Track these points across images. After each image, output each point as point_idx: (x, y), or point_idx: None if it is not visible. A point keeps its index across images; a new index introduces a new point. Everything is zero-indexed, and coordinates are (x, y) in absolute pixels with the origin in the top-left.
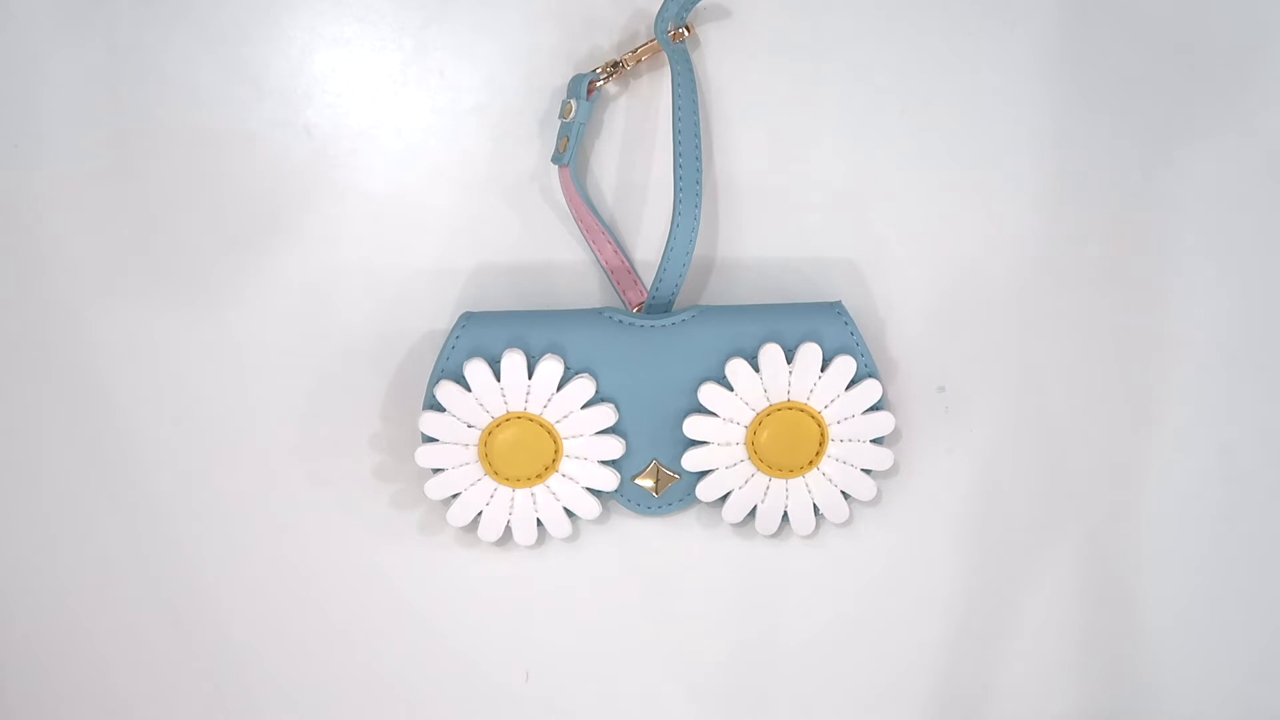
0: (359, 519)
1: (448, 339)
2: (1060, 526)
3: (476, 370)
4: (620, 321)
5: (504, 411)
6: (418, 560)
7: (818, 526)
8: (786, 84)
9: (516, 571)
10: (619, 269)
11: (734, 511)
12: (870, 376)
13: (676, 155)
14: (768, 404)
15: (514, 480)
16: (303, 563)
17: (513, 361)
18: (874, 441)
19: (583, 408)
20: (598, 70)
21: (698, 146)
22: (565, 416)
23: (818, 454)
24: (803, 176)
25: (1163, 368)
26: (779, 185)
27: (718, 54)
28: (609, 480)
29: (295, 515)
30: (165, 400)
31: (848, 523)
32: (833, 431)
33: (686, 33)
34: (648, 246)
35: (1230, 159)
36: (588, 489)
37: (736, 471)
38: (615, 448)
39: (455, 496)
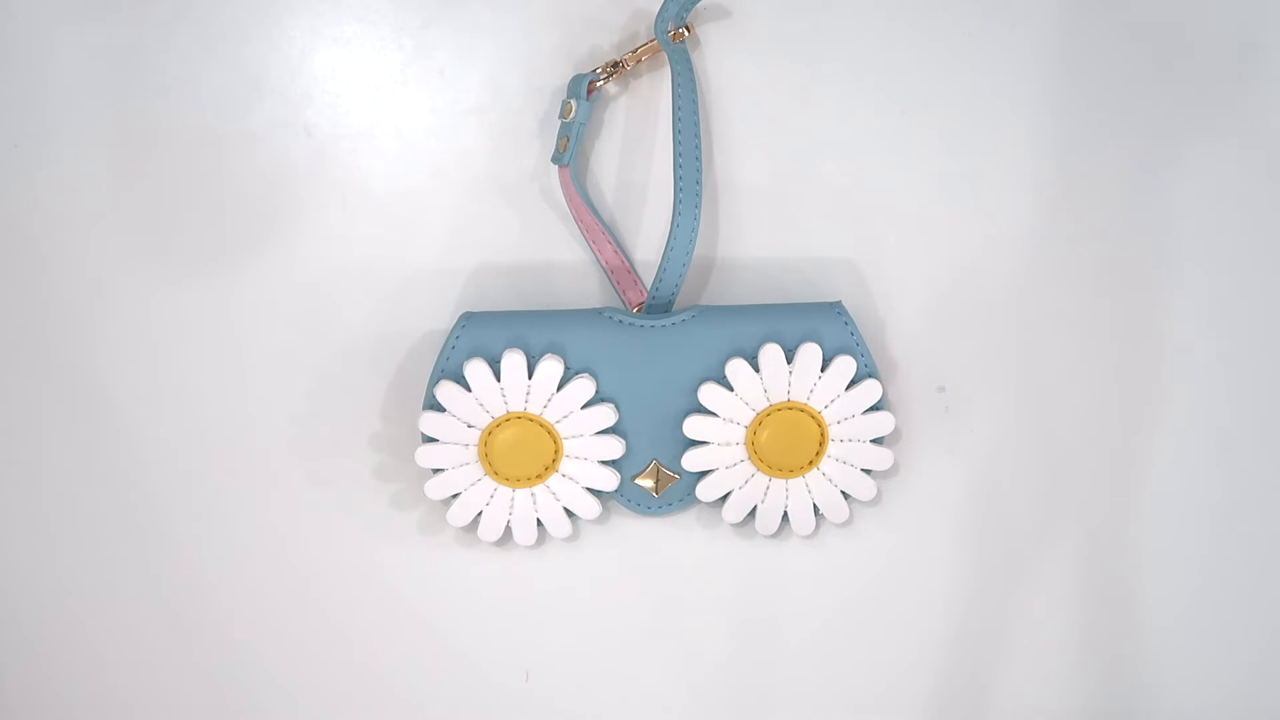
0: (359, 519)
1: (448, 339)
2: (1060, 526)
3: (476, 370)
4: (620, 321)
5: (504, 411)
6: (418, 560)
7: (818, 526)
8: (786, 84)
9: (516, 571)
10: (619, 269)
11: (734, 511)
12: (870, 376)
13: (676, 155)
14: (768, 404)
15: (514, 480)
16: (303, 563)
17: (513, 361)
18: (874, 441)
19: (583, 408)
20: (598, 70)
21: (698, 146)
22: (565, 416)
23: (818, 454)
24: (803, 176)
25: (1162, 367)
26: (779, 185)
27: (718, 54)
28: (609, 480)
29: (295, 515)
30: (165, 400)
31: (848, 523)
32: (833, 431)
33: (686, 33)
34: (648, 246)
35: (1230, 159)
36: (588, 489)
37: (736, 471)
38: (615, 448)
39: (455, 496)
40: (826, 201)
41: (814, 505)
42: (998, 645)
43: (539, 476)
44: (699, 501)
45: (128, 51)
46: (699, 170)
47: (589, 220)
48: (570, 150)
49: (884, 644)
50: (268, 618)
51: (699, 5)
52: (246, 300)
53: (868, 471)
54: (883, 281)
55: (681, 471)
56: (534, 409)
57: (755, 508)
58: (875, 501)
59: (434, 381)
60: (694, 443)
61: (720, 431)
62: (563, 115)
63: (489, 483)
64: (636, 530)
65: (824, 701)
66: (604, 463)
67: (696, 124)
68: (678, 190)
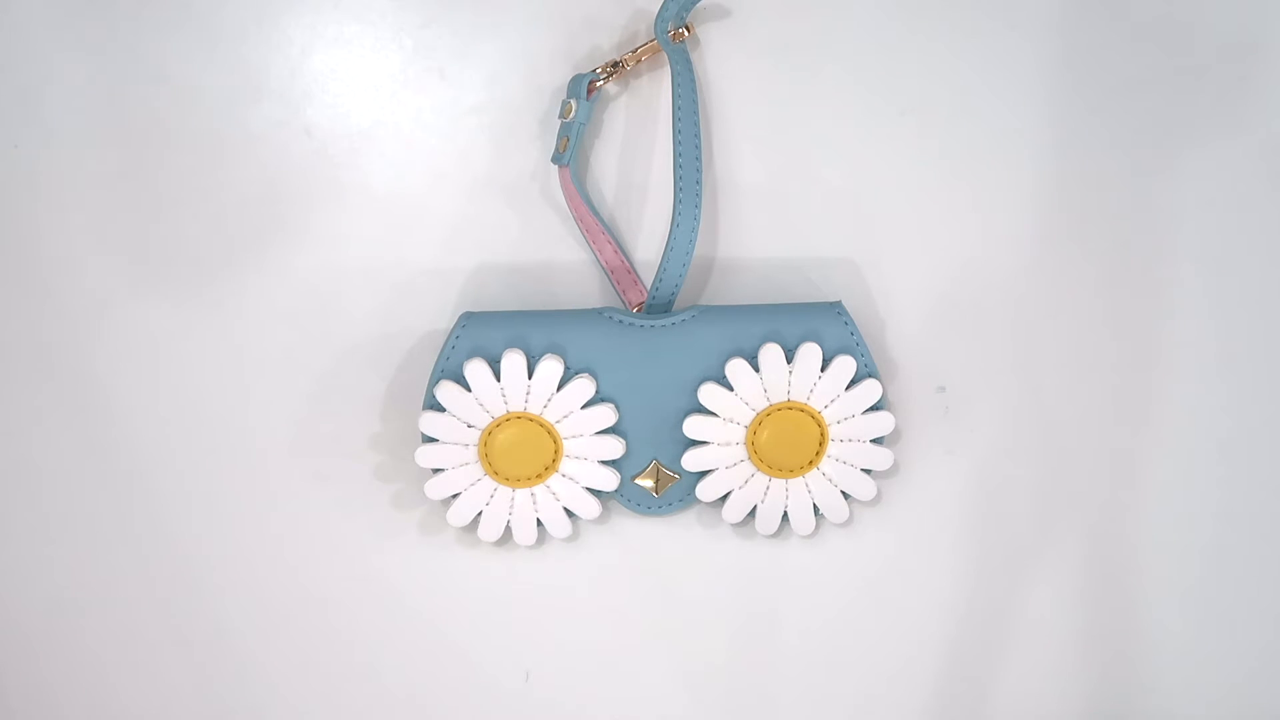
0: (359, 519)
1: (448, 339)
2: (1060, 526)
3: (476, 370)
4: (620, 321)
5: (504, 411)
6: (418, 560)
7: (818, 526)
8: (786, 84)
9: (516, 571)
10: (619, 269)
11: (734, 511)
12: (870, 376)
13: (676, 155)
14: (768, 404)
15: (514, 480)
16: (303, 563)
17: (513, 361)
18: (874, 441)
19: (583, 408)
20: (598, 70)
21: (698, 146)
22: (565, 416)
23: (818, 454)
24: (803, 176)
25: (1162, 367)
26: (779, 185)
27: (718, 54)
28: (609, 480)
29: (295, 515)
30: (165, 400)
31: (848, 523)
32: (833, 431)
33: (686, 33)
34: (648, 246)
35: (1229, 160)
36: (588, 489)
37: (736, 471)
38: (615, 448)
39: (455, 496)
40: (826, 201)
41: (814, 505)
42: (998, 645)
43: (539, 476)
44: (699, 501)
45: (128, 51)
46: (699, 170)
47: (589, 220)
48: (570, 150)
49: (884, 644)
50: (268, 618)
51: (699, 5)
52: (246, 300)
53: (868, 471)
54: (883, 281)
55: (681, 471)
56: (534, 409)
57: (755, 508)
58: (875, 501)
59: (434, 381)
60: (694, 443)
61: (720, 431)
62: (563, 115)
63: (489, 483)
64: (636, 530)
65: (824, 701)
66: (604, 463)
67: (696, 124)
68: (678, 190)
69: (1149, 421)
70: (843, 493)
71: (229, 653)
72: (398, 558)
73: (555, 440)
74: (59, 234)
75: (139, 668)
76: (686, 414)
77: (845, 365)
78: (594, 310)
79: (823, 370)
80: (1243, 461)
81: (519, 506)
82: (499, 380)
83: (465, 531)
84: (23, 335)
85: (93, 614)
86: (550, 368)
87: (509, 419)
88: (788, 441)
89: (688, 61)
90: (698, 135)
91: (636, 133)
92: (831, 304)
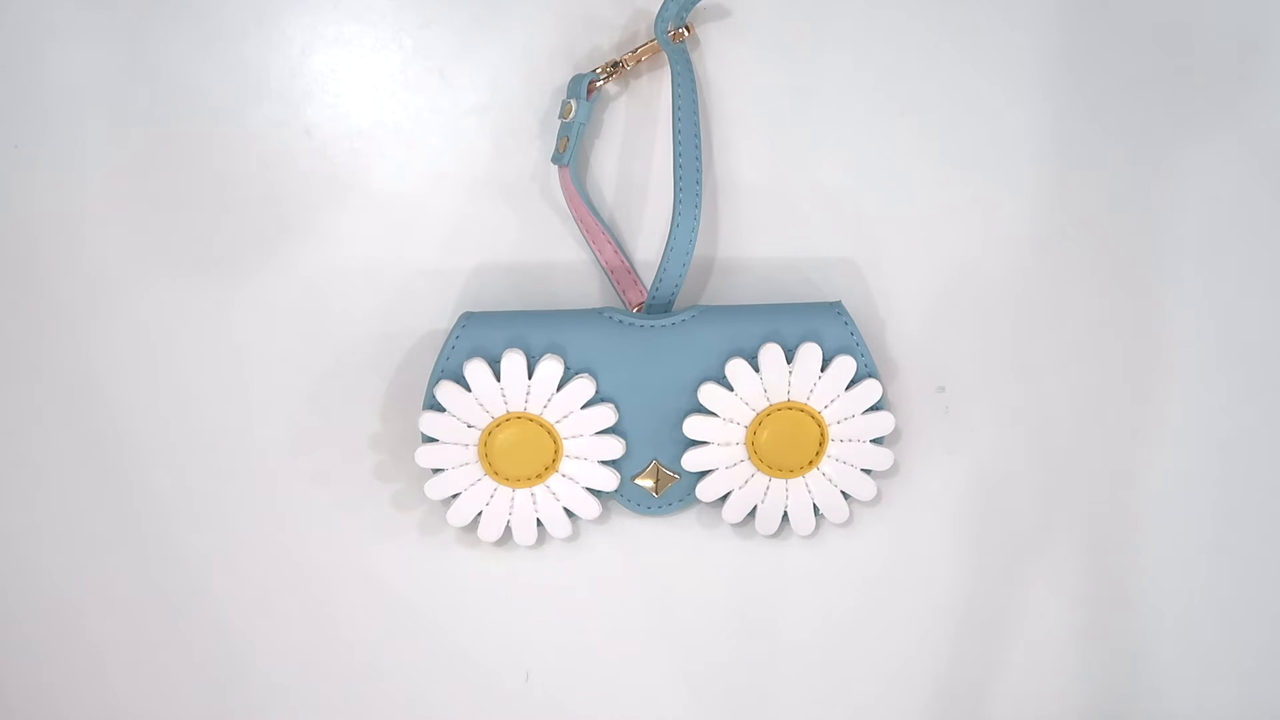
0: (359, 519)
1: (448, 339)
2: (1060, 526)
3: (476, 370)
4: (620, 321)
5: (504, 411)
6: (418, 560)
7: (818, 526)
8: (786, 84)
9: (516, 571)
10: (619, 269)
11: (734, 511)
12: (870, 376)
13: (676, 155)
14: (768, 404)
15: (514, 480)
16: (303, 563)
17: (513, 361)
18: (874, 441)
19: (583, 408)
20: (598, 70)
21: (698, 146)
22: (565, 416)
23: (818, 454)
24: (803, 176)
25: (1162, 367)
26: (779, 185)
27: (718, 54)
28: (609, 480)
29: (295, 515)
30: (165, 400)
31: (848, 523)
32: (833, 431)
33: (686, 33)
34: (648, 246)
35: (1229, 159)
36: (588, 489)
37: (736, 471)
38: (615, 448)
39: (455, 496)
40: (826, 201)
41: (814, 505)
42: (998, 645)
43: (539, 476)
44: (699, 501)
45: (128, 51)
46: (699, 170)
47: (589, 220)
48: (570, 150)
49: (884, 644)
50: (267, 617)
51: (699, 5)
52: (246, 300)
53: (868, 471)
54: (883, 281)
55: (681, 471)
56: (534, 409)
57: (755, 508)
58: (875, 501)
59: (434, 381)
60: (694, 443)
61: (720, 431)
62: (563, 115)
63: (489, 483)
64: (636, 530)
65: (824, 701)
66: (604, 463)
67: (696, 124)
68: (678, 190)
69: (1149, 421)
70: (843, 493)
71: (229, 652)
72: (398, 558)
73: (555, 440)
74: (59, 234)
75: (139, 668)
76: (686, 414)
77: (845, 365)
78: (594, 310)
79: (823, 370)
80: (1243, 461)
81: (519, 506)
82: (499, 380)
83: (465, 531)
84: (22, 334)
85: (93, 614)
86: (550, 368)
87: (509, 419)
88: (788, 441)
89: (688, 61)
90: (698, 135)
91: (636, 133)
92: (831, 304)
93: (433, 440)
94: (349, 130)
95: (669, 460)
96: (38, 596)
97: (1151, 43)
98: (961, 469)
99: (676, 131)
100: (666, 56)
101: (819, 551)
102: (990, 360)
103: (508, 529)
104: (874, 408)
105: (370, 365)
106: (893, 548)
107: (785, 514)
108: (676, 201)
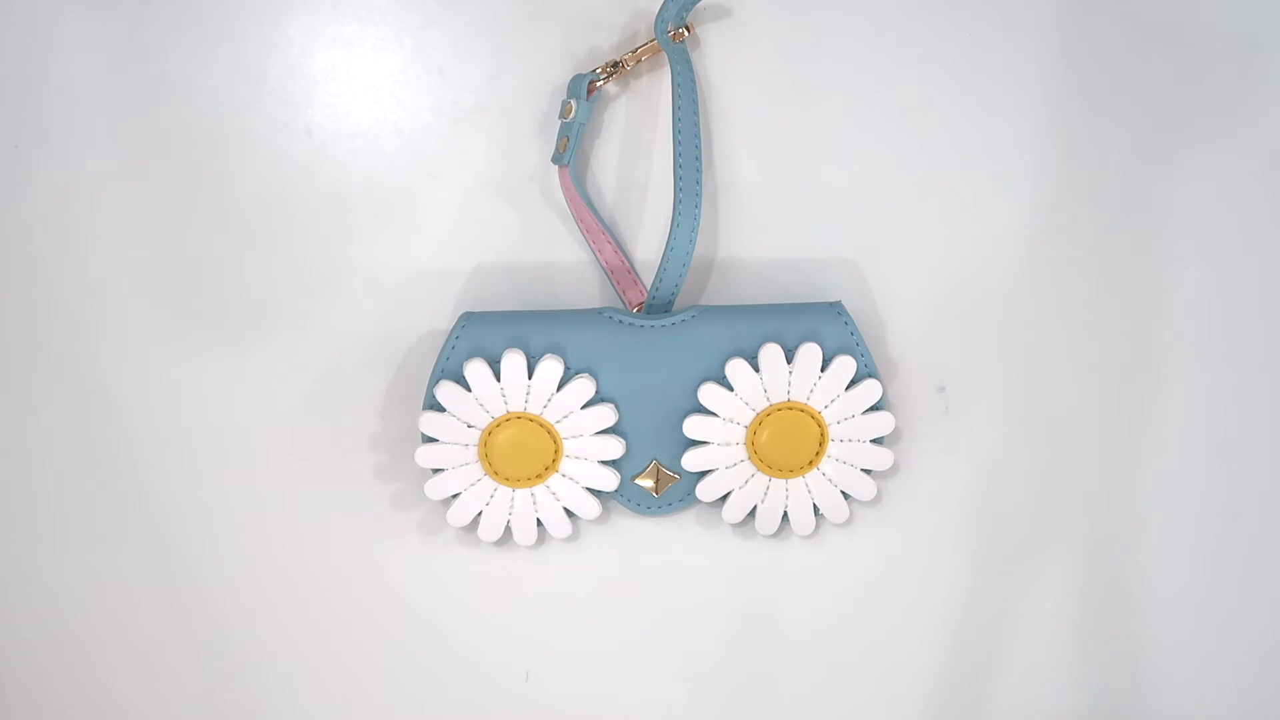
0: (359, 519)
1: (448, 339)
2: (1060, 526)
3: (476, 370)
4: (620, 321)
5: (504, 411)
6: (418, 560)
7: (818, 526)
8: (786, 84)
9: (516, 571)
10: (619, 269)
11: (734, 511)
12: (870, 376)
13: (676, 155)
14: (768, 404)
15: (514, 480)
16: (303, 562)
17: (513, 361)
18: (874, 441)
19: (583, 408)
20: (598, 70)
21: (698, 146)
22: (565, 416)
23: (818, 454)
24: (803, 176)
25: (1162, 367)
26: (779, 185)
27: (718, 54)
28: (609, 480)
29: (295, 515)
30: (165, 400)
31: (848, 523)
32: (833, 431)
33: (686, 33)
34: (648, 246)
35: (1229, 159)
36: (588, 489)
37: (736, 471)
38: (615, 448)
39: (455, 496)
40: (826, 201)
41: (814, 505)
42: (998, 645)
43: (539, 476)
44: (699, 501)
45: (128, 51)
46: (699, 170)
47: (589, 220)
48: (570, 150)
49: (884, 644)
50: (268, 617)
51: (699, 5)
52: (246, 300)
53: (868, 471)
54: (883, 281)
55: (681, 471)
56: (534, 409)
57: (755, 508)
58: (875, 501)
59: (434, 381)
60: (694, 443)
61: (720, 431)
62: (563, 115)
63: (489, 483)
64: (636, 530)
65: (824, 701)
66: (604, 463)
67: (696, 124)
68: (678, 190)
69: (1149, 421)
70: (843, 493)
71: (229, 652)
72: (398, 558)
73: (555, 440)
74: (59, 233)
75: (139, 668)
76: (686, 414)
77: (845, 365)
78: (594, 310)
79: (823, 370)
80: (1243, 461)
81: (519, 506)
82: (499, 380)
83: (465, 531)
84: (22, 335)
85: (93, 614)
86: (550, 368)
87: (509, 419)
88: (788, 441)
89: (688, 61)
90: (698, 135)
91: (636, 133)
92: (831, 304)
93: (433, 440)
94: (349, 130)
95: (669, 460)
96: (38, 596)
97: (1152, 43)
98: (961, 469)
99: (676, 131)
100: (666, 56)
101: (819, 551)
102: (990, 361)
103: (508, 529)
104: (874, 408)
105: (370, 365)
106: (893, 548)
107: (785, 514)
108: (676, 201)
